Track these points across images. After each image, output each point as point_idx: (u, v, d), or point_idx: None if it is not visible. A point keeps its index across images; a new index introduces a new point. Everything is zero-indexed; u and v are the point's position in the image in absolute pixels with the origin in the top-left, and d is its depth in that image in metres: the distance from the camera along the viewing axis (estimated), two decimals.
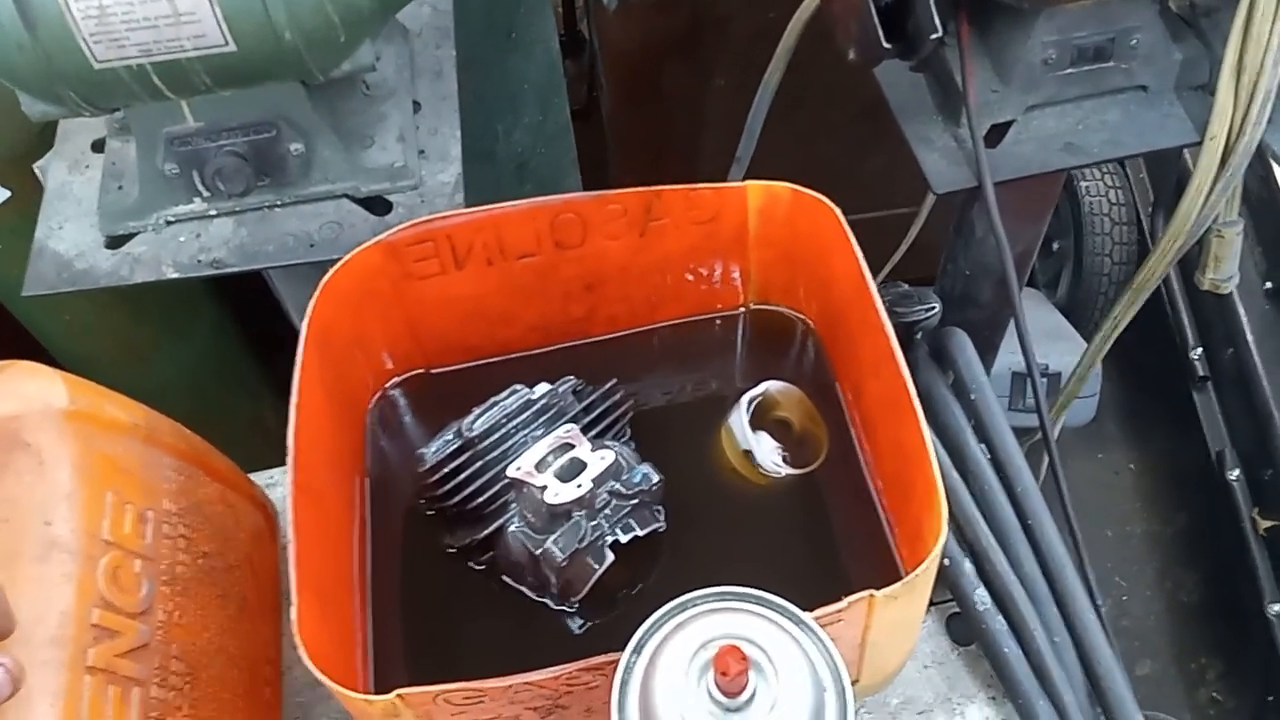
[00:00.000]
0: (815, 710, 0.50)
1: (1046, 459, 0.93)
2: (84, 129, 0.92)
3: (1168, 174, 1.66)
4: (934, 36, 0.76)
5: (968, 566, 0.81)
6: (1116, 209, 1.80)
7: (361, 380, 0.84)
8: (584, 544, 0.72)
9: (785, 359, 0.87)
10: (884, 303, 0.70)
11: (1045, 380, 1.44)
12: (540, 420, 0.77)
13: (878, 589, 0.59)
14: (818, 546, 0.80)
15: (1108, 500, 1.88)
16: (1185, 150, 0.92)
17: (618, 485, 0.73)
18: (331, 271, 0.74)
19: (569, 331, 0.87)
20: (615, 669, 0.53)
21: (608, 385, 0.81)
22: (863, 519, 0.77)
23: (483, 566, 0.77)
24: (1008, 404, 1.42)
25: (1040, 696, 0.78)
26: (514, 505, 0.75)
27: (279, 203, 0.85)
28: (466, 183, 0.87)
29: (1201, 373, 1.63)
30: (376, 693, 0.58)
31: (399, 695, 0.56)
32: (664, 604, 0.54)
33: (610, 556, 0.72)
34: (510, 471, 0.74)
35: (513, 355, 0.87)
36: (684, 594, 0.54)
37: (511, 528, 0.74)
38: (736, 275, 0.86)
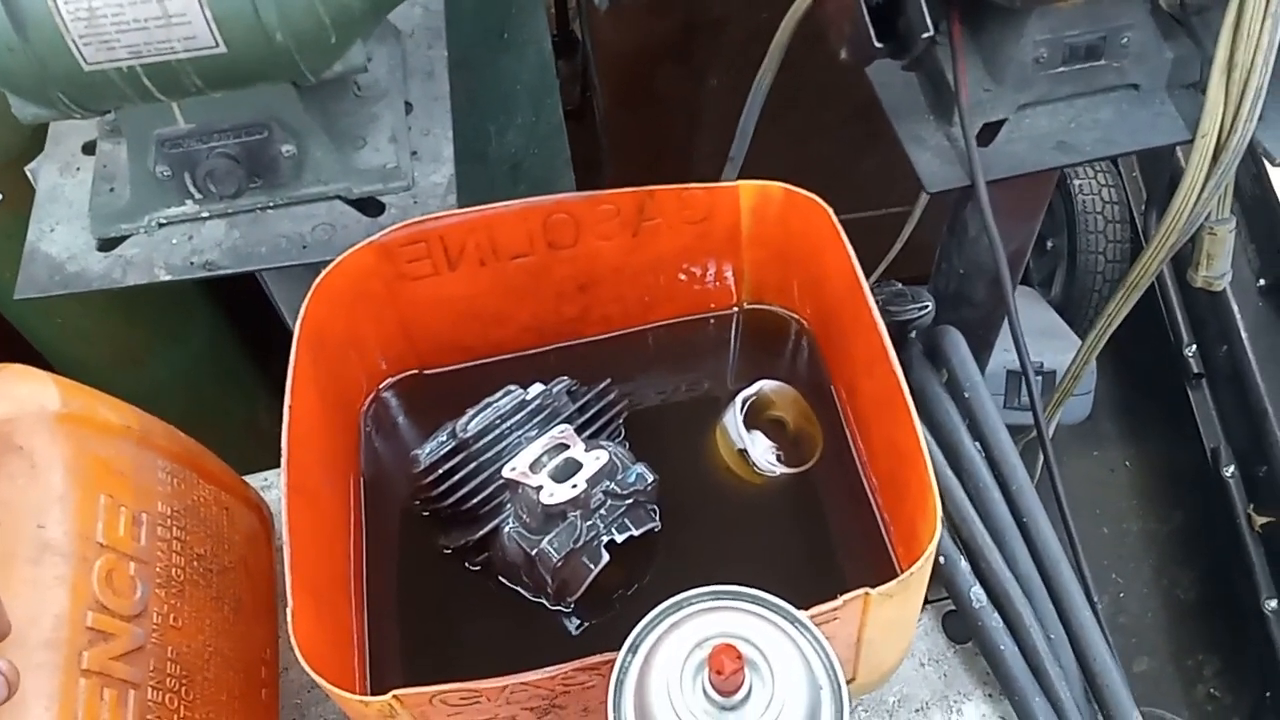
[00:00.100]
0: (811, 709, 0.50)
1: (1042, 457, 0.93)
2: (75, 131, 0.91)
3: (1160, 172, 1.66)
4: (926, 36, 0.76)
5: (963, 564, 0.81)
6: (1110, 207, 1.81)
7: (355, 381, 0.83)
8: (579, 544, 0.72)
9: (779, 358, 0.87)
10: (877, 301, 0.70)
11: (1040, 378, 1.44)
12: (534, 421, 0.77)
13: (873, 587, 0.59)
14: (813, 545, 0.80)
15: (1103, 498, 1.88)
16: (1177, 148, 0.92)
17: (612, 485, 0.73)
18: (324, 273, 0.74)
19: (563, 332, 0.87)
20: (611, 668, 0.53)
21: (602, 385, 0.81)
22: (858, 517, 0.77)
23: (478, 567, 0.77)
24: (1003, 402, 1.42)
25: (1037, 693, 0.78)
26: (509, 506, 0.75)
27: (271, 204, 0.85)
28: (459, 184, 0.87)
29: (1196, 370, 1.63)
30: (373, 694, 0.58)
31: (395, 696, 0.56)
32: (659, 603, 0.54)
33: (605, 556, 0.72)
34: (505, 472, 0.74)
35: (506, 356, 0.87)
36: (679, 593, 0.54)
37: (507, 528, 0.74)
38: (730, 275, 0.86)
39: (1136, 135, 0.86)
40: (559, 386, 0.79)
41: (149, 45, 0.70)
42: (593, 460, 0.73)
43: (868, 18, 0.77)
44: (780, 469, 0.81)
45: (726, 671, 0.48)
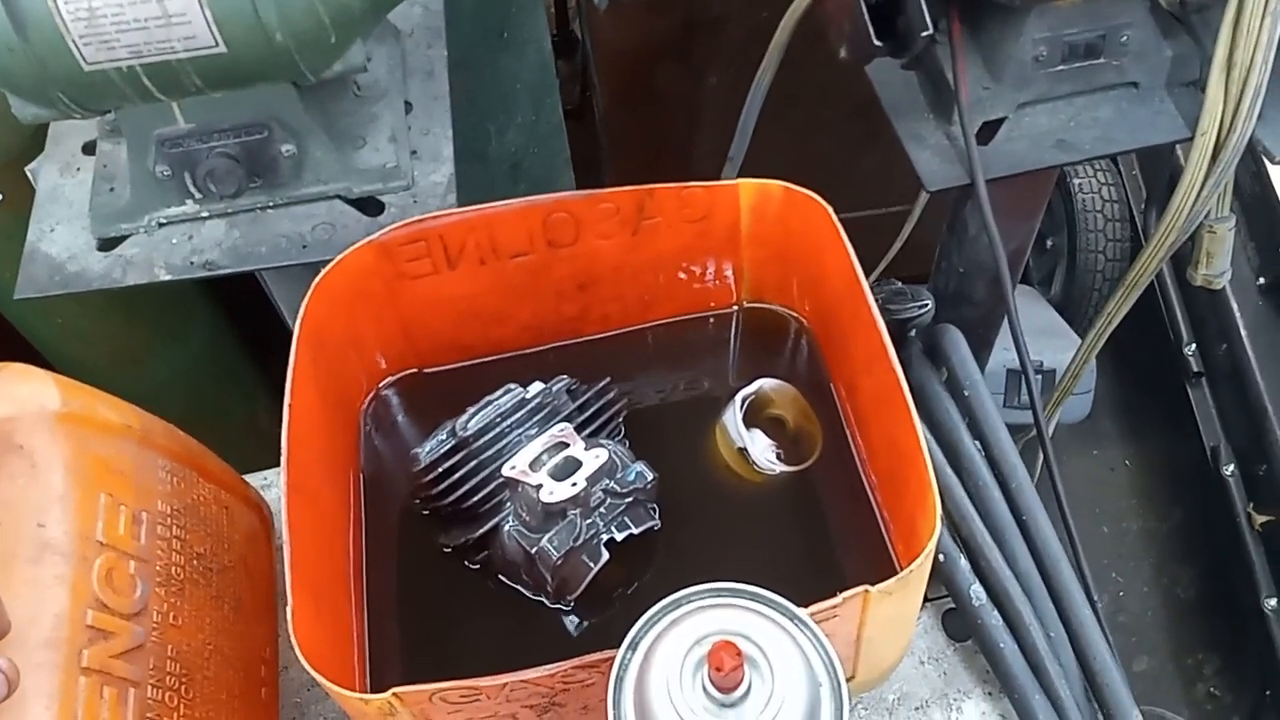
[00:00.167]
0: (810, 706, 0.50)
1: (1041, 455, 0.93)
2: (75, 131, 0.92)
3: (1160, 170, 1.66)
4: (925, 34, 0.76)
5: (963, 562, 0.81)
6: (1109, 205, 1.81)
7: (355, 380, 0.84)
8: (579, 542, 0.72)
9: (779, 356, 0.87)
10: (877, 300, 0.70)
11: (1040, 377, 1.44)
12: (534, 419, 0.77)
13: (873, 585, 0.59)
14: (812, 543, 0.80)
15: (1103, 496, 1.88)
16: (1177, 146, 0.92)
17: (612, 484, 0.73)
18: (324, 272, 0.74)
19: (562, 330, 0.87)
20: (611, 666, 0.53)
21: (601, 384, 0.81)
22: (857, 515, 0.77)
23: (478, 565, 0.77)
24: (1003, 401, 1.42)
25: (1036, 691, 0.78)
26: (509, 504, 0.75)
27: (271, 204, 0.85)
28: (459, 183, 0.87)
29: (1196, 368, 1.63)
30: (373, 692, 0.58)
31: (395, 694, 0.56)
32: (659, 601, 0.54)
33: (605, 555, 0.72)
34: (505, 470, 0.74)
35: (506, 354, 0.87)
36: (679, 591, 0.54)
37: (506, 527, 0.74)
38: (729, 273, 0.86)
39: (1136, 133, 0.86)
40: (559, 385, 0.79)
41: (149, 45, 0.70)
42: (592, 459, 0.73)
43: (867, 16, 0.77)
44: (780, 467, 0.81)
45: (726, 668, 0.48)
